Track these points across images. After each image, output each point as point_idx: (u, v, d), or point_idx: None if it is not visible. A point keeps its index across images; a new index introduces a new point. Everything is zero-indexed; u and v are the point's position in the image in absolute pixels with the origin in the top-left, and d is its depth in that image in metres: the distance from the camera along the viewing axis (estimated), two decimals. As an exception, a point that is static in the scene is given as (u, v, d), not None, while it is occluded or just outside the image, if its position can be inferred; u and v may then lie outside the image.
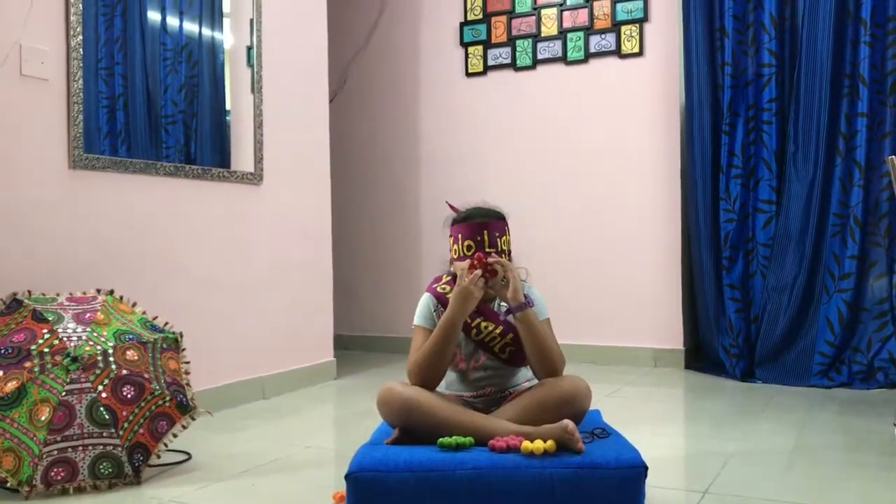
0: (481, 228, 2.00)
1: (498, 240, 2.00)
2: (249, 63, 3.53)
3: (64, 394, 2.17)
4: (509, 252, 2.06)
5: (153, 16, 3.21)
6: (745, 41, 3.91)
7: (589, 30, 4.33)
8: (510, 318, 1.99)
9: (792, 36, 3.85)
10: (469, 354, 2.04)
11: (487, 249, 1.98)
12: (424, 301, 2.08)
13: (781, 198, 3.84)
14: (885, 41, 3.63)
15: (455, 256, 2.03)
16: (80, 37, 2.75)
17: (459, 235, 2.01)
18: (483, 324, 2.01)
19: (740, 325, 3.88)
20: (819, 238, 3.73)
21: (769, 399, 3.39)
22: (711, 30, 3.97)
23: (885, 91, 3.64)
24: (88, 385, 2.20)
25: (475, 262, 1.93)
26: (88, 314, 2.35)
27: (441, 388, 2.03)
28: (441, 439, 1.79)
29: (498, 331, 2.01)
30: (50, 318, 2.29)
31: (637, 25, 4.23)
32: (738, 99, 3.91)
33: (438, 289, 2.08)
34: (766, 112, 3.86)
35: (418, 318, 2.07)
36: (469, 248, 1.99)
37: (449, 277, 2.09)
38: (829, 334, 3.67)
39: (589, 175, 4.35)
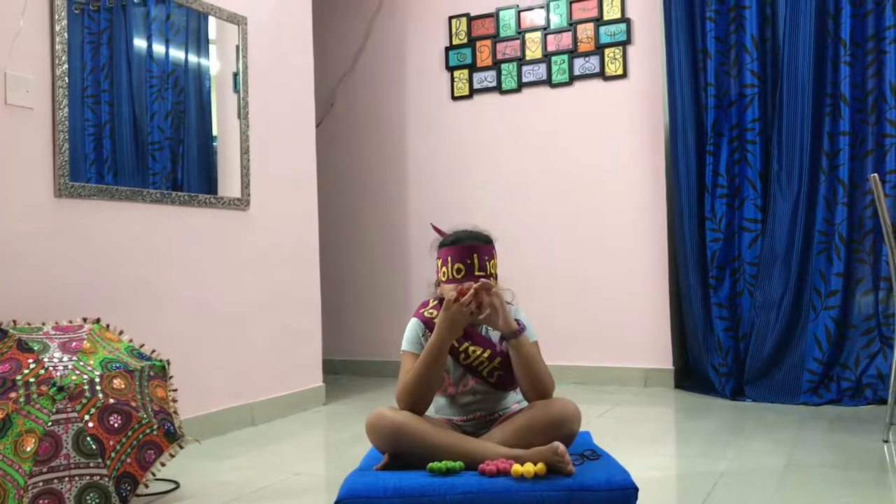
0: (471, 252, 1.99)
1: (487, 263, 2.00)
2: (236, 89, 3.54)
3: (50, 424, 2.15)
4: (496, 276, 2.06)
5: (139, 43, 3.22)
6: (728, 62, 3.95)
7: (573, 53, 4.37)
8: (504, 344, 1.99)
9: (773, 56, 3.90)
10: (458, 379, 2.03)
11: (477, 273, 1.97)
12: (412, 326, 2.07)
13: (767, 216, 3.86)
14: (865, 60, 3.68)
15: (443, 279, 2.02)
16: (66, 65, 2.76)
17: (449, 258, 2.00)
18: (471, 348, 2.01)
19: (729, 343, 3.89)
20: (805, 256, 3.76)
21: (759, 417, 3.40)
22: (694, 51, 4.01)
23: (866, 109, 3.68)
24: (75, 415, 2.18)
25: (460, 294, 1.91)
26: (74, 343, 2.34)
27: (430, 412, 2.02)
28: (431, 464, 1.78)
29: (486, 355, 2.00)
30: (35, 348, 2.27)
31: (620, 48, 4.27)
32: (721, 119, 3.94)
33: (426, 313, 2.07)
34: (750, 132, 3.90)
35: (406, 343, 2.06)
36: (459, 271, 1.98)
37: (436, 302, 2.09)
38: (818, 351, 3.68)
39: (575, 197, 4.37)
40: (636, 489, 1.71)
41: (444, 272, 2.01)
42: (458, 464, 1.78)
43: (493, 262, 2.02)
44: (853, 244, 3.71)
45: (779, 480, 2.43)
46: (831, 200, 3.72)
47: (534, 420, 1.88)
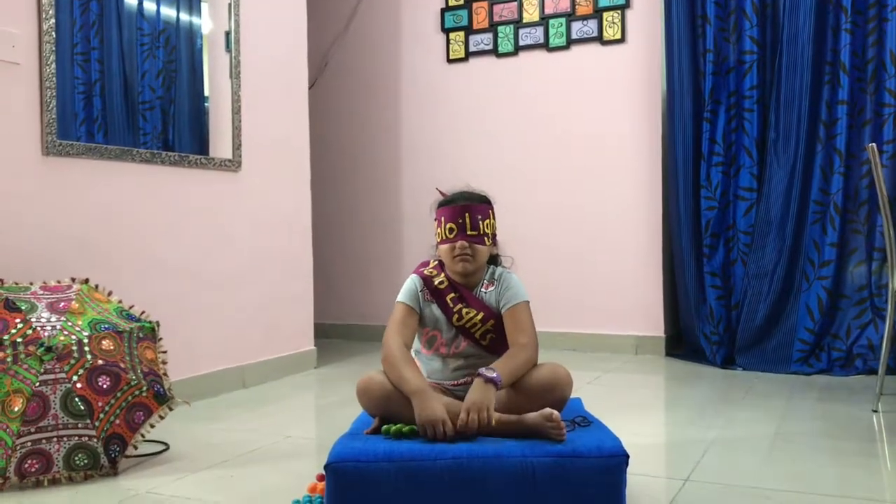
0: (463, 211, 1.99)
1: (480, 223, 1.99)
2: (228, 48, 3.48)
3: (38, 384, 2.13)
4: (494, 236, 2.05)
5: (130, 0, 3.16)
6: (727, 28, 3.90)
7: (571, 16, 4.31)
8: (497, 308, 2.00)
9: (773, 23, 3.85)
10: (450, 340, 2.03)
11: (469, 232, 1.97)
12: (411, 280, 2.07)
13: (762, 185, 3.84)
14: (866, 28, 3.63)
15: (438, 240, 2.03)
16: (53, 20, 2.70)
17: (442, 219, 2.01)
18: (465, 310, 2.00)
19: (721, 312, 3.89)
20: (799, 225, 3.74)
21: (749, 386, 3.41)
22: (693, 16, 3.95)
23: (865, 78, 3.64)
24: (63, 375, 2.17)
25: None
26: (63, 303, 2.31)
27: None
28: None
29: (479, 317, 2.00)
30: (23, 308, 2.25)
31: (619, 12, 4.21)
32: (719, 86, 3.90)
33: (426, 272, 2.07)
34: (748, 99, 3.86)
35: (403, 294, 2.04)
36: (451, 230, 1.98)
37: (436, 262, 2.09)
38: (809, 321, 3.68)
39: (570, 162, 4.34)
40: (626, 456, 1.70)
41: (438, 233, 2.02)
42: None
43: (487, 221, 2.01)
44: (848, 214, 3.69)
45: (768, 449, 2.44)
46: (827, 170, 3.70)
47: (524, 384, 1.87)
